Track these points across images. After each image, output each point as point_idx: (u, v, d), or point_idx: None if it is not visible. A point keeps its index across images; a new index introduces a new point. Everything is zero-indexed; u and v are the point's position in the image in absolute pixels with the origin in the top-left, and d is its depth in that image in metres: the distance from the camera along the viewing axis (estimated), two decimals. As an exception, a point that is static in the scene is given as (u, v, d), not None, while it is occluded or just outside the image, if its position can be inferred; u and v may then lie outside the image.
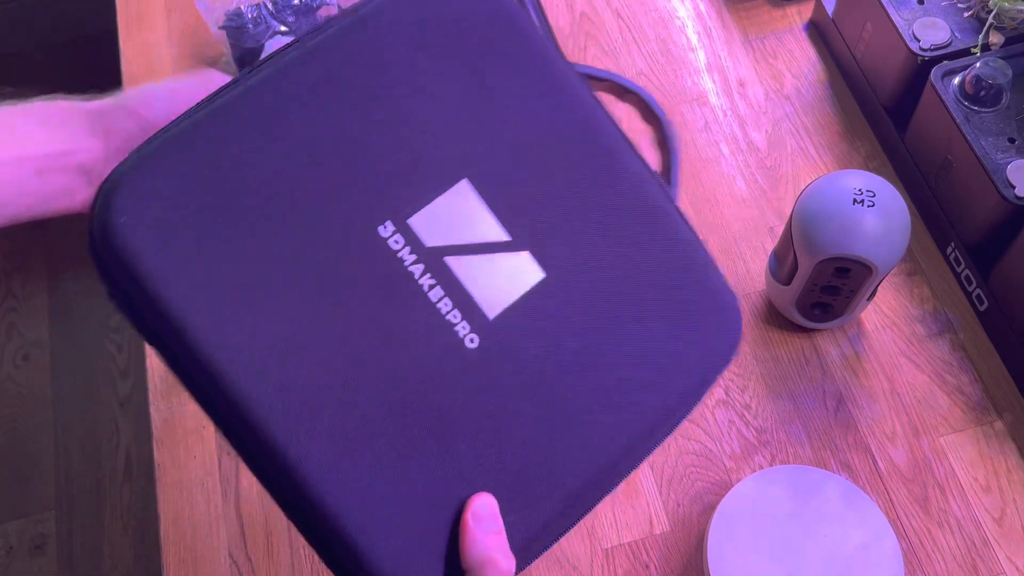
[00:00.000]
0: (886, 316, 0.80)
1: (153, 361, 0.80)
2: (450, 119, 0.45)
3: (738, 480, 0.72)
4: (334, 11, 0.90)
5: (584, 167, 0.47)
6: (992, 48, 0.79)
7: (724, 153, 0.88)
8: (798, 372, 0.78)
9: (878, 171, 0.81)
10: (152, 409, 0.78)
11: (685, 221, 0.48)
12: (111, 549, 1.51)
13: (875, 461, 0.74)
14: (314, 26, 0.46)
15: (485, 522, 0.41)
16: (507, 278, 0.44)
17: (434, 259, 0.44)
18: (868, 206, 0.69)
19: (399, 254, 0.43)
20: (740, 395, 0.77)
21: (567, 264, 0.45)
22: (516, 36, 0.47)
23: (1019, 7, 0.79)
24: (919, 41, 0.80)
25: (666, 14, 0.97)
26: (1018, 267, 0.73)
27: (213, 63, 0.94)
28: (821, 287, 0.73)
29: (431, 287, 0.43)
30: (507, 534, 0.42)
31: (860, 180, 0.70)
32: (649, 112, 0.53)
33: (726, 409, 0.77)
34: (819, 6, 0.93)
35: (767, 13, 0.97)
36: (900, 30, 0.80)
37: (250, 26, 0.87)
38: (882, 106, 0.86)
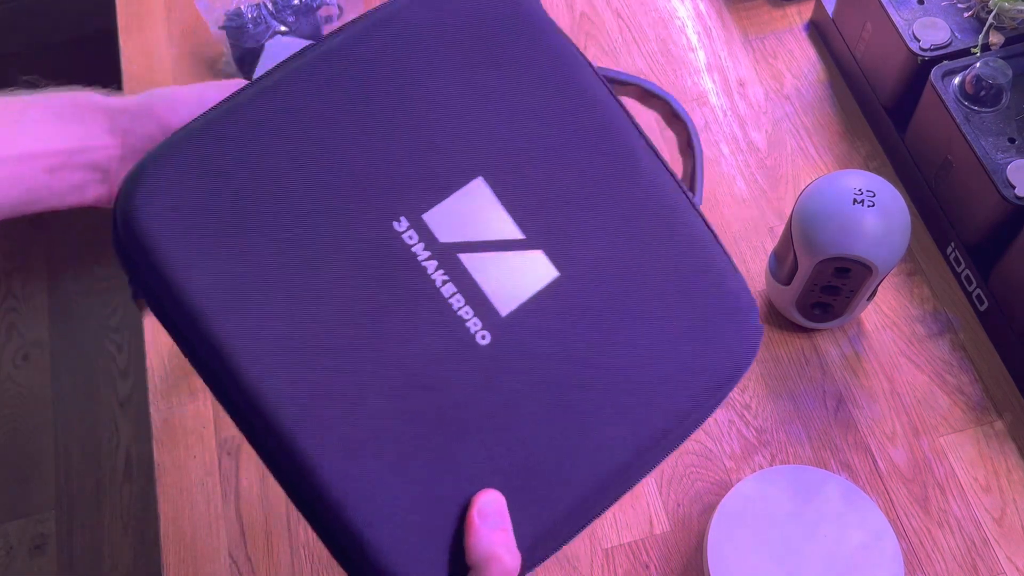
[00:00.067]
0: (886, 316, 0.80)
1: (153, 361, 0.80)
2: (466, 117, 0.46)
3: (738, 480, 0.72)
4: (334, 11, 0.90)
5: (601, 167, 0.47)
6: (992, 48, 0.79)
7: (724, 153, 0.88)
8: (798, 372, 0.78)
9: (878, 171, 0.81)
10: (152, 409, 0.78)
11: (706, 224, 0.48)
12: (111, 549, 1.51)
13: (875, 461, 0.74)
14: (343, 24, 0.46)
15: (491, 518, 0.41)
16: (520, 276, 0.44)
17: (448, 255, 0.44)
18: (868, 206, 0.69)
19: (413, 249, 0.43)
20: (740, 395, 0.77)
21: (581, 263, 0.45)
22: (535, 36, 0.47)
23: (1019, 7, 0.79)
24: (919, 41, 0.80)
25: (666, 14, 0.97)
26: (1018, 267, 0.73)
27: (213, 63, 0.94)
28: (821, 287, 0.73)
29: (444, 283, 0.43)
30: (514, 532, 0.42)
31: (860, 180, 0.70)
32: (674, 117, 0.53)
33: (726, 409, 0.77)
34: (819, 6, 0.93)
35: (767, 13, 0.97)
36: (900, 30, 0.80)
37: (250, 26, 0.87)
38: (882, 106, 0.86)
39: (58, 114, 0.50)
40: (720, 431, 0.76)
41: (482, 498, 0.42)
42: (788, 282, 0.75)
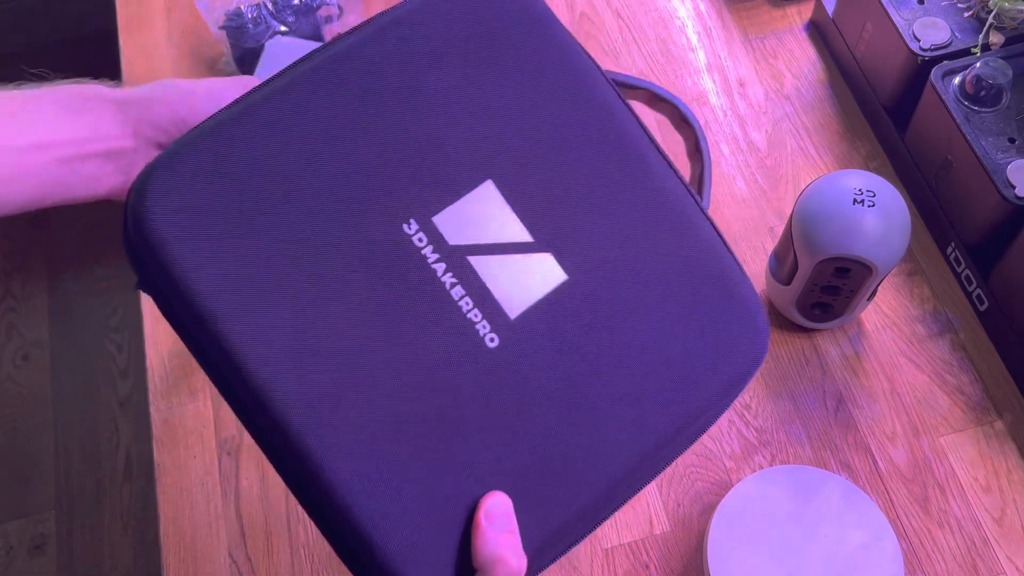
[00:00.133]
0: (886, 316, 0.80)
1: (153, 361, 0.80)
2: (476, 120, 0.46)
3: (738, 480, 0.72)
4: (334, 11, 0.90)
5: (610, 171, 0.47)
6: (992, 48, 0.79)
7: (724, 153, 0.88)
8: (798, 372, 0.78)
9: (878, 171, 0.81)
10: (152, 409, 0.78)
11: (714, 228, 0.48)
12: (111, 549, 1.51)
13: (875, 461, 0.74)
14: (347, 30, 0.46)
15: (498, 521, 0.41)
16: (529, 279, 0.44)
17: (457, 258, 0.44)
18: (868, 206, 0.69)
19: (423, 252, 0.44)
20: (740, 395, 0.77)
21: (590, 267, 0.45)
22: (544, 39, 0.47)
23: (1019, 7, 0.79)
24: (919, 41, 0.80)
25: (666, 14, 0.97)
26: (1018, 267, 0.73)
27: (213, 63, 0.94)
28: (821, 287, 0.73)
29: (453, 285, 0.44)
30: (521, 535, 0.42)
31: (860, 180, 0.70)
32: (682, 121, 0.53)
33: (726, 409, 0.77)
34: (819, 6, 0.93)
35: (767, 13, 0.97)
36: (900, 30, 0.80)
37: (250, 26, 0.87)
38: (882, 106, 0.86)
39: (67, 105, 0.50)
40: (720, 431, 0.76)
41: (489, 500, 0.41)
42: (788, 282, 0.75)
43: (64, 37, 1.90)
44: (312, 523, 0.53)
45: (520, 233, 0.45)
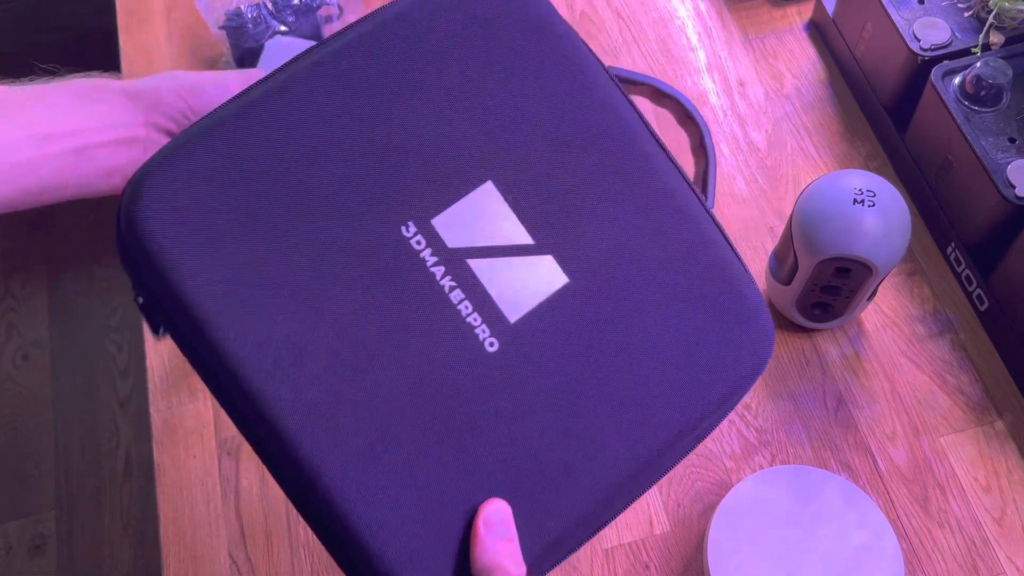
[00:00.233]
0: (886, 316, 0.80)
1: (153, 361, 0.80)
2: (476, 120, 0.45)
3: (738, 480, 0.72)
4: (334, 11, 0.90)
5: (613, 171, 0.46)
6: (992, 48, 0.79)
7: (724, 153, 0.88)
8: (798, 372, 0.78)
9: (878, 171, 0.81)
10: (152, 409, 0.78)
11: (719, 229, 0.47)
12: (111, 549, 1.51)
13: (875, 461, 0.74)
14: (348, 24, 0.46)
15: (497, 528, 0.41)
16: (530, 282, 0.44)
17: (456, 261, 0.43)
18: (868, 206, 0.68)
19: (421, 255, 0.43)
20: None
21: (591, 269, 0.44)
22: (546, 37, 0.46)
23: (1019, 7, 0.79)
24: (919, 41, 0.79)
25: (666, 14, 0.97)
26: (1018, 267, 0.73)
27: (213, 63, 0.94)
28: (821, 287, 0.73)
29: (452, 289, 0.43)
30: (521, 542, 0.41)
31: (860, 180, 0.70)
32: (687, 117, 0.52)
33: (726, 409, 0.77)
34: (819, 6, 0.93)
35: (767, 13, 0.97)
36: (900, 30, 0.80)
37: (250, 26, 0.87)
38: (882, 106, 0.86)
39: (80, 95, 0.49)
40: (720, 431, 0.76)
41: (488, 508, 0.41)
42: (788, 282, 0.75)
43: (64, 37, 1.90)
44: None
45: (520, 235, 0.44)
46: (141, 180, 0.41)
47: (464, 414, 0.42)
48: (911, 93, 0.82)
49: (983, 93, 0.76)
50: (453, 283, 0.43)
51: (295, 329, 0.41)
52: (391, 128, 0.44)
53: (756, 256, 0.83)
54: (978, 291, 0.79)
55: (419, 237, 0.43)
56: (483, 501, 0.41)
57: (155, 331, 0.43)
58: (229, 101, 0.43)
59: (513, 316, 0.43)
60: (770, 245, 0.83)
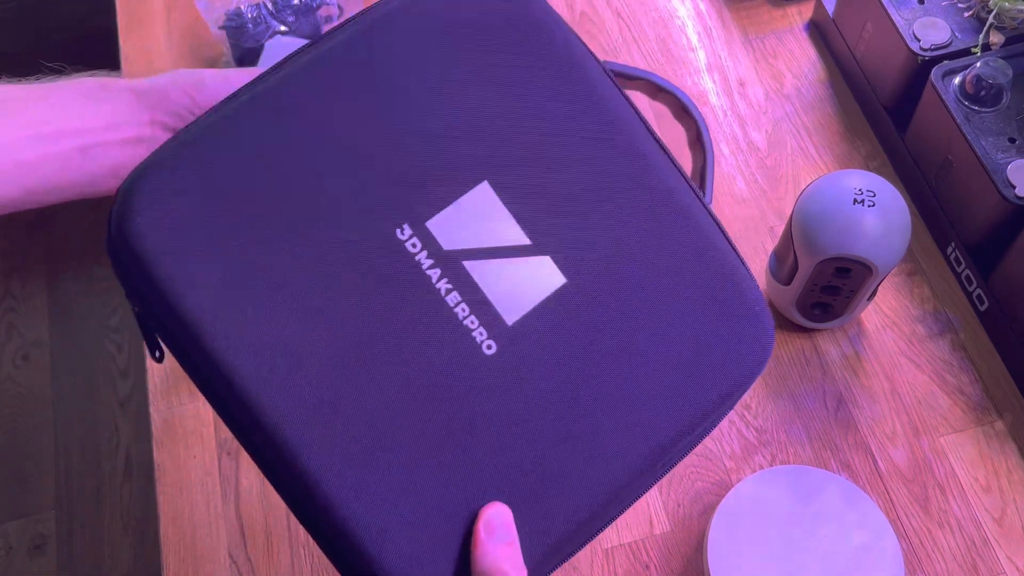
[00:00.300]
0: (886, 316, 0.80)
1: (153, 361, 0.80)
2: (471, 120, 0.44)
3: (738, 480, 0.72)
4: (334, 11, 0.90)
5: (610, 170, 0.45)
6: (992, 48, 0.79)
7: (724, 153, 0.88)
8: (798, 372, 0.78)
9: (878, 171, 0.81)
10: (152, 409, 0.78)
11: (719, 227, 0.46)
12: (111, 549, 1.51)
13: (875, 461, 0.74)
14: (338, 24, 0.45)
15: (497, 532, 0.40)
16: (527, 283, 0.43)
17: (452, 263, 0.43)
18: (868, 206, 0.68)
19: (416, 258, 0.42)
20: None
21: (589, 270, 0.44)
22: (541, 35, 0.46)
23: (1019, 7, 0.79)
24: (919, 41, 0.79)
25: (666, 14, 0.97)
26: (1018, 267, 0.73)
27: (213, 63, 0.94)
28: (821, 287, 0.73)
29: (448, 291, 0.42)
30: (521, 545, 0.41)
31: (860, 180, 0.70)
32: (683, 111, 0.52)
33: (726, 409, 0.77)
34: (819, 6, 0.93)
35: (767, 13, 0.97)
36: (900, 30, 0.80)
37: (250, 26, 0.87)
38: (882, 106, 0.86)
39: (87, 94, 0.49)
40: (720, 431, 0.76)
41: (488, 511, 0.41)
42: (788, 282, 0.75)
43: (64, 37, 1.90)
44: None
45: (517, 236, 0.44)
46: (132, 185, 0.41)
47: (463, 417, 0.41)
48: (911, 93, 0.82)
49: (983, 93, 0.76)
50: (449, 285, 0.42)
51: (290, 335, 0.40)
52: (383, 130, 0.43)
53: (756, 256, 0.83)
54: (978, 291, 0.79)
55: (414, 240, 0.43)
56: (483, 505, 0.41)
57: (152, 352, 0.43)
58: (220, 104, 0.43)
59: (511, 318, 0.43)
60: (770, 245, 0.83)
